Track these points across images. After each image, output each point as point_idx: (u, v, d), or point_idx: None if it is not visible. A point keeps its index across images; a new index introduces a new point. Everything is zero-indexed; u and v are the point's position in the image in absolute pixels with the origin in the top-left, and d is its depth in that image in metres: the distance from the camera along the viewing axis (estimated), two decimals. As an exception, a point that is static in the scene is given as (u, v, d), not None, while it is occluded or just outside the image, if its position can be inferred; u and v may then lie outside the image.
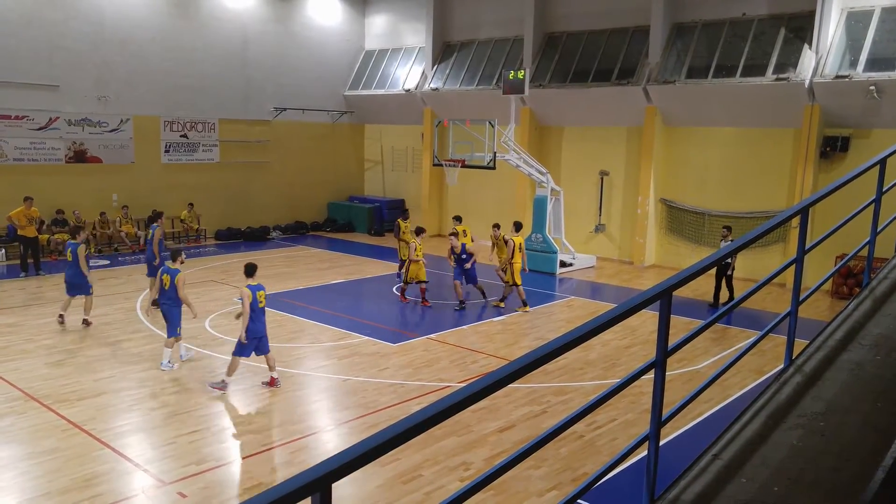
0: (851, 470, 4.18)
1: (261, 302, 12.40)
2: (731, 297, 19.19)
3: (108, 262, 23.56)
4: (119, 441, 10.44)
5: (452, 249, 18.90)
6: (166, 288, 13.56)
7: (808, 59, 21.07)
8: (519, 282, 18.59)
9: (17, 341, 14.99)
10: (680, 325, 15.82)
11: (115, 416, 11.39)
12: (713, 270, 19.19)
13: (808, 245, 5.81)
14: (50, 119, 24.44)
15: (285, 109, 30.65)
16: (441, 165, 23.99)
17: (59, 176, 24.87)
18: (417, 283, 19.11)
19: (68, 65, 24.67)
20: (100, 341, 15.12)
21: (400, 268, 21.87)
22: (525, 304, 18.62)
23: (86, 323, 16.23)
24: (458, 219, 21.51)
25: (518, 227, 20.04)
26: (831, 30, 20.88)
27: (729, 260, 18.88)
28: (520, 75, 23.38)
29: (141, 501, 8.84)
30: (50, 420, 11.08)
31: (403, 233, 21.58)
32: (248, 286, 12.31)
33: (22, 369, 13.29)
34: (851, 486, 4.04)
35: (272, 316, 17.21)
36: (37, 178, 24.23)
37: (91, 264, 21.68)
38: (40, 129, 24.28)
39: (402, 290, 19.54)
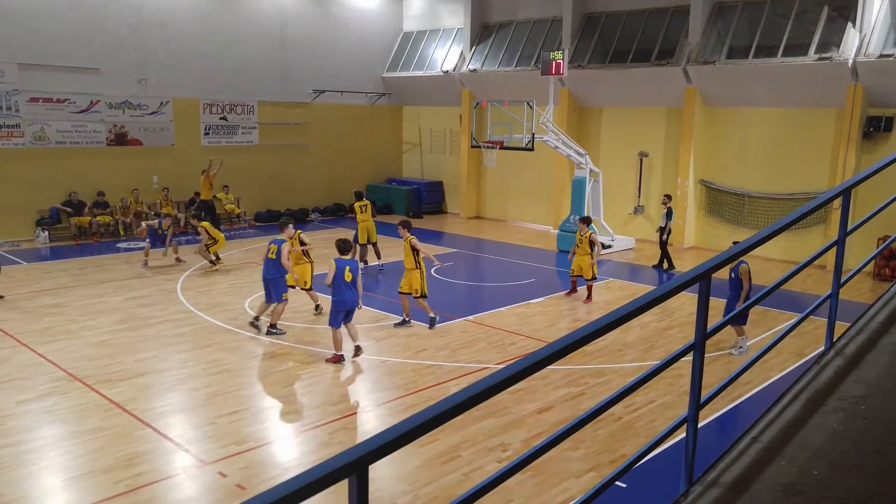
0: (893, 454, 4.15)
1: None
2: (666, 261, 21.59)
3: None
4: (161, 421, 10.59)
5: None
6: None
7: (851, 37, 20.74)
8: (591, 275, 17.67)
9: (61, 322, 15.22)
10: (719, 307, 15.70)
11: (156, 397, 11.55)
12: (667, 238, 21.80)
13: (849, 227, 5.74)
14: (91, 102, 24.71)
15: (324, 92, 30.69)
16: (479, 147, 23.93)
17: (101, 159, 25.17)
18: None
19: (109, 48, 24.91)
20: (141, 322, 15.31)
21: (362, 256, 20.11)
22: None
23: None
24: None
25: (587, 221, 18.16)
26: (875, 8, 20.51)
27: (664, 225, 21.38)
28: (558, 56, 23.26)
29: (182, 481, 8.97)
30: (93, 400, 11.26)
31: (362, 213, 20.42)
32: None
33: (66, 350, 13.50)
34: (894, 469, 4.00)
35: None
36: (78, 160, 24.57)
37: (129, 246, 22.10)
38: (82, 112, 24.56)
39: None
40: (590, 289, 17.80)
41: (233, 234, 25.87)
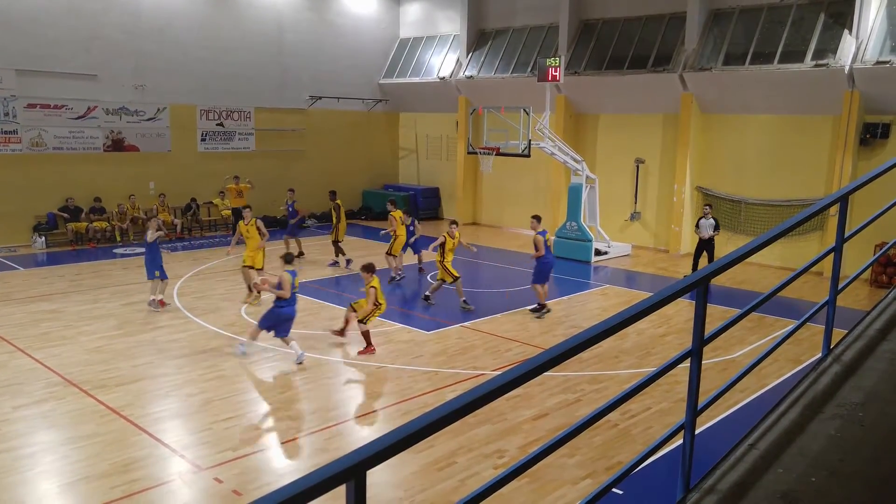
0: (892, 461, 4.14)
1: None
2: (708, 261, 20.26)
3: (144, 249, 23.74)
4: (156, 427, 10.56)
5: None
6: None
7: (847, 44, 20.78)
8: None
9: (57, 328, 15.20)
10: (716, 314, 15.71)
11: (152, 402, 11.52)
12: (702, 244, 20.93)
13: (847, 233, 5.73)
14: (88, 108, 24.71)
15: (321, 98, 30.72)
16: (476, 153, 23.98)
17: (97, 164, 25.18)
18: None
19: (106, 54, 24.92)
20: (137, 328, 15.28)
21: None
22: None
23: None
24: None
25: (371, 269, 14.30)
26: (872, 14, 20.56)
27: (715, 233, 20.51)
28: (555, 63, 23.28)
29: (177, 486, 8.94)
30: (89, 406, 11.23)
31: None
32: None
33: (62, 355, 13.47)
34: (892, 477, 3.99)
35: (307, 303, 17.30)
36: (75, 166, 24.57)
37: (126, 252, 21.96)
38: (79, 118, 24.56)
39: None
40: (365, 335, 14.18)
41: (228, 239, 25.81)
